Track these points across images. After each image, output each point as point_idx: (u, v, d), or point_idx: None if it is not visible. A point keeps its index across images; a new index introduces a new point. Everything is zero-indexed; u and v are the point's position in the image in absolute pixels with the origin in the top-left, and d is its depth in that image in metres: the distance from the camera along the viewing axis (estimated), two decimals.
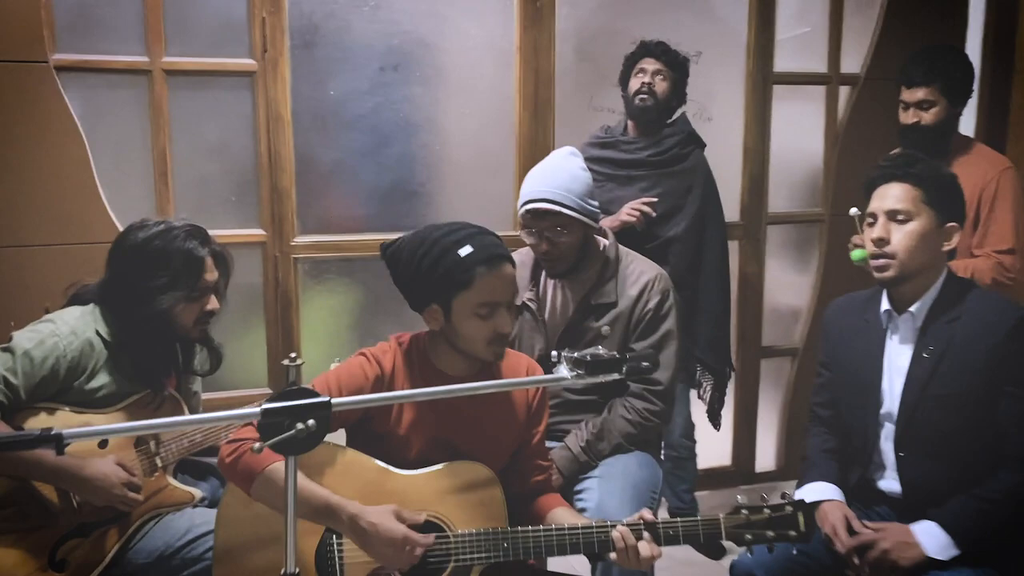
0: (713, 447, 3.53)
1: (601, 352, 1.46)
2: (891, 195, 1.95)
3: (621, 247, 2.34)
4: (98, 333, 1.99)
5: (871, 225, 1.99)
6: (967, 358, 1.88)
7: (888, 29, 3.55)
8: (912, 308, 1.97)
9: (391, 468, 1.78)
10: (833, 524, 1.92)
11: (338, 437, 1.87)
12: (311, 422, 1.16)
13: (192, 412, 2.20)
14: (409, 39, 3.08)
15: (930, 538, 1.82)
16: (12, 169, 2.67)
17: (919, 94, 2.76)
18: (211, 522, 1.82)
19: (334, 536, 1.73)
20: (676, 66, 2.95)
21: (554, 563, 2.19)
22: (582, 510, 2.04)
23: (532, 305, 2.31)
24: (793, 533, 1.74)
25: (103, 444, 1.95)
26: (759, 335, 3.68)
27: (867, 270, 2.04)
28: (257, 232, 3.00)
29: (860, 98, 3.59)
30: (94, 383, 1.97)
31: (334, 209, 3.11)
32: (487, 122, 3.22)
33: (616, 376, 1.46)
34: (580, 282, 2.28)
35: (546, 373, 1.90)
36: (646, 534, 1.70)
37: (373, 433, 1.82)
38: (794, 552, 1.93)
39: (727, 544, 2.06)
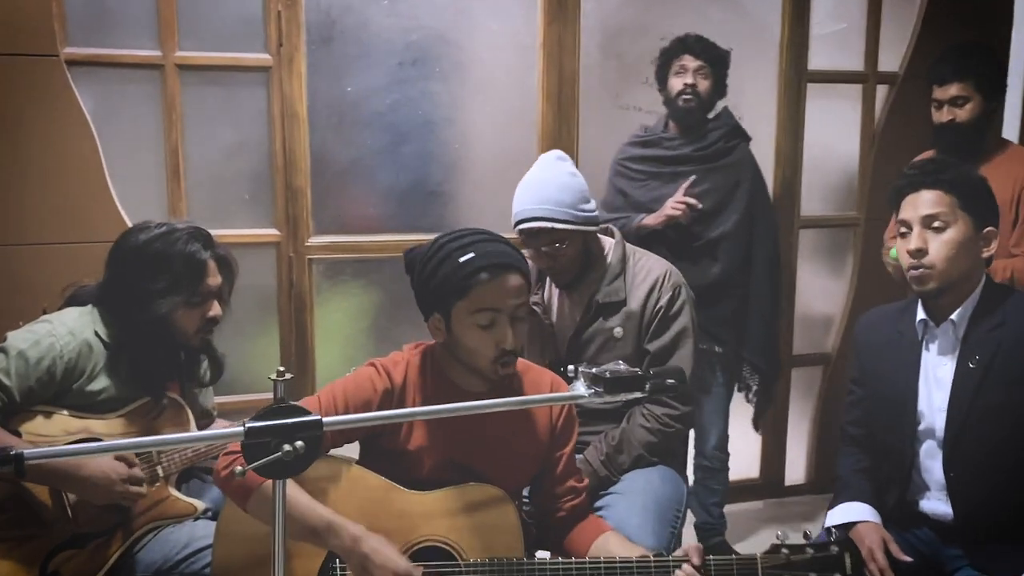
0: (741, 458, 3.41)
1: (621, 368, 1.36)
2: (925, 202, 1.86)
3: (628, 244, 2.27)
4: (97, 334, 1.94)
5: (903, 235, 1.90)
6: (1015, 365, 1.81)
7: (929, 25, 3.43)
8: (953, 316, 1.89)
9: (397, 486, 1.69)
10: (870, 547, 1.83)
11: (351, 450, 1.78)
12: (299, 444, 1.05)
13: (199, 418, 2.13)
14: (429, 34, 3.01)
15: None
16: (22, 165, 2.62)
17: (952, 90, 2.72)
18: (212, 535, 1.75)
19: (337, 560, 1.64)
20: (717, 61, 2.85)
21: None
22: None
23: (538, 310, 2.23)
24: None
25: None
26: (790, 343, 3.57)
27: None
28: (271, 232, 2.94)
29: (898, 98, 3.48)
30: (94, 385, 1.92)
31: (350, 209, 3.05)
32: (509, 120, 3.14)
33: (638, 395, 1.36)
34: (586, 283, 2.21)
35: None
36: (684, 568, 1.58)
37: (383, 449, 1.73)
38: None
39: None
